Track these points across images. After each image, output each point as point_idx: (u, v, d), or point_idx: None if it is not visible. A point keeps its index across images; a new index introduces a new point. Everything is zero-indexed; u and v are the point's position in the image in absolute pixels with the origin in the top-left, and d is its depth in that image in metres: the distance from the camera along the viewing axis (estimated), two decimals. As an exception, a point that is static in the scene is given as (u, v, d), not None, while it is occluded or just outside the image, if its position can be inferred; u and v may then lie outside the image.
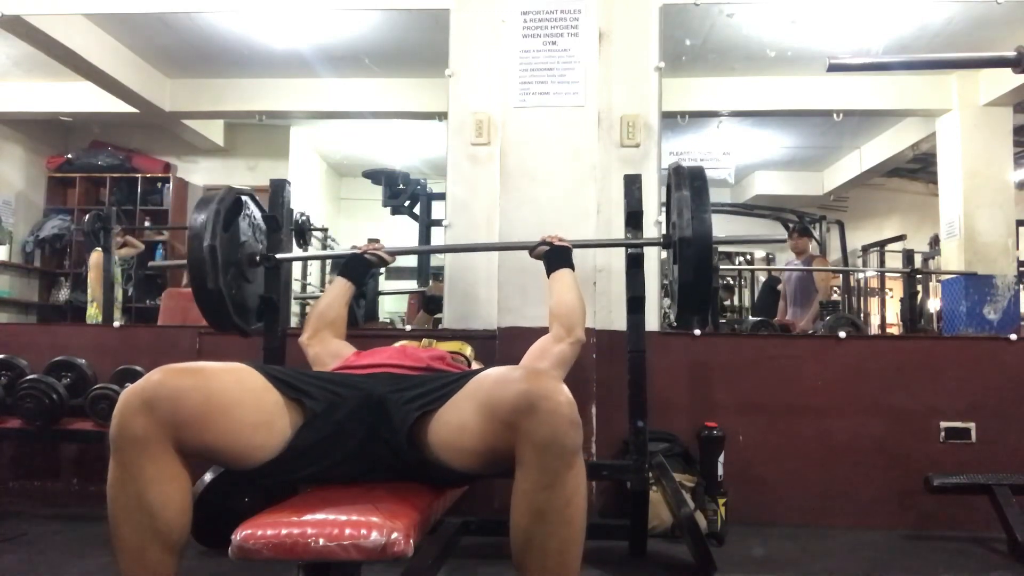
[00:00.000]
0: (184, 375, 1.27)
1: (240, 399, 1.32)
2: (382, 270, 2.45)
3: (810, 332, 4.93)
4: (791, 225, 6.07)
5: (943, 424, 2.78)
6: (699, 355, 2.87)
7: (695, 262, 1.91)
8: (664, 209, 2.35)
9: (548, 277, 2.11)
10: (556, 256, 2.13)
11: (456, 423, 1.32)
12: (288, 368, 1.53)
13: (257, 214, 2.23)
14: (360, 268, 2.25)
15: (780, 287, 5.90)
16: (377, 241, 4.30)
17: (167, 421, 1.21)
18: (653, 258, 2.77)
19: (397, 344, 1.79)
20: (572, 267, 2.12)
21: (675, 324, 2.91)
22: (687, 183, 1.95)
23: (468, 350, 2.07)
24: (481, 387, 1.32)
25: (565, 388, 1.21)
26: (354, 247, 2.23)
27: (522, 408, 1.17)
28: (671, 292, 2.30)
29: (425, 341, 1.82)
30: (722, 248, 6.27)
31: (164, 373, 1.25)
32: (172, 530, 1.22)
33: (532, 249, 2.21)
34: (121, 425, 1.21)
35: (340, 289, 2.19)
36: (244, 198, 2.15)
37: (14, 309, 6.56)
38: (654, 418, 2.12)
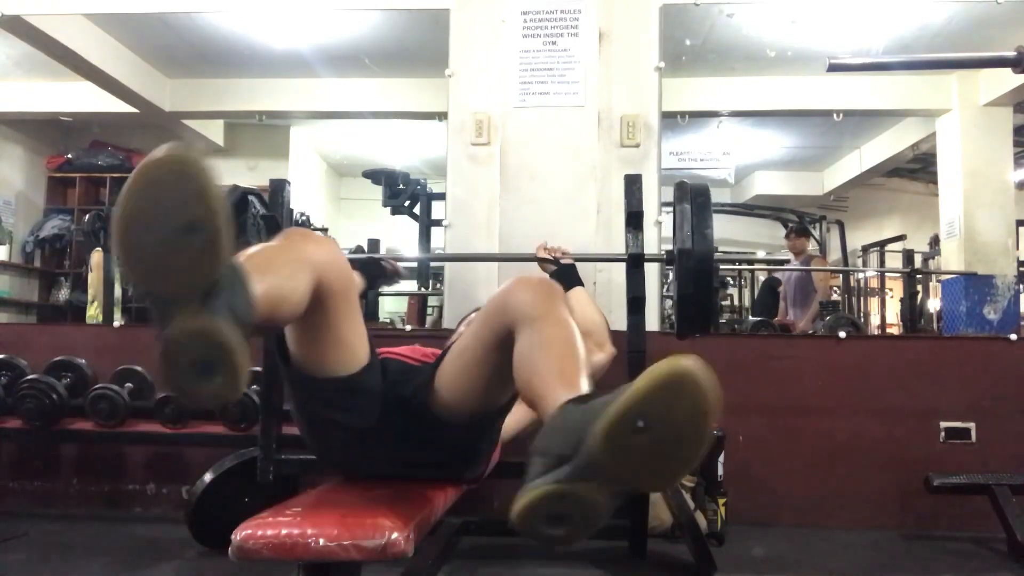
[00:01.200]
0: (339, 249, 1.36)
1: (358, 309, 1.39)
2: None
3: (810, 332, 4.93)
4: (790, 225, 6.08)
5: (943, 424, 2.78)
6: (699, 355, 2.86)
7: (696, 276, 1.91)
8: (667, 214, 2.34)
9: None
10: (568, 276, 2.18)
11: (458, 349, 1.40)
12: None
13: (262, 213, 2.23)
14: (376, 271, 2.28)
15: (780, 288, 5.90)
16: (377, 242, 4.31)
17: (328, 258, 1.25)
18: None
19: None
20: (583, 284, 2.18)
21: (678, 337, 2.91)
22: (689, 198, 1.95)
23: None
24: (475, 319, 1.42)
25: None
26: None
27: (509, 289, 1.29)
28: (675, 308, 2.30)
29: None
30: (722, 248, 6.28)
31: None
32: (308, 282, 1.20)
33: (541, 265, 2.23)
34: (302, 234, 1.28)
35: None
36: (251, 197, 2.14)
37: (14, 309, 6.56)
38: (654, 418, 2.12)
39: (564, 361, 1.16)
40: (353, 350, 1.36)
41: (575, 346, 1.19)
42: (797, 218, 6.52)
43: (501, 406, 1.46)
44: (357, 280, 2.14)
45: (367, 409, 1.38)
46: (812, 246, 6.07)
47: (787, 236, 5.81)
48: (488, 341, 1.32)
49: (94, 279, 5.04)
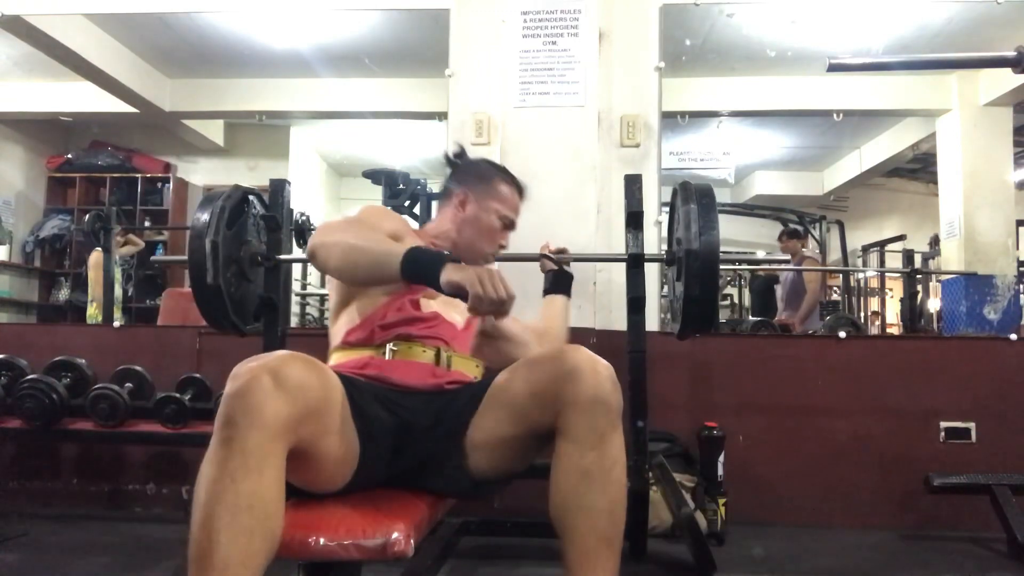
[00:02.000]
0: (307, 362, 1.11)
1: (342, 405, 1.21)
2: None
3: (809, 332, 4.93)
4: (789, 227, 6.09)
5: (943, 424, 2.78)
6: (699, 355, 2.87)
7: (701, 277, 1.91)
8: (667, 215, 2.34)
9: (544, 295, 2.13)
10: (562, 283, 2.13)
11: (492, 419, 1.32)
12: (348, 377, 1.35)
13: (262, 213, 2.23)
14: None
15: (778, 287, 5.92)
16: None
17: (297, 409, 1.05)
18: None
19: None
20: (570, 296, 2.13)
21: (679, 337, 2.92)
22: (695, 198, 1.95)
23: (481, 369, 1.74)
24: (513, 376, 1.32)
25: (600, 358, 1.24)
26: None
27: (564, 374, 1.20)
28: (672, 309, 2.30)
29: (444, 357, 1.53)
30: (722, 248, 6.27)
31: (288, 355, 1.09)
32: (276, 540, 1.04)
33: (542, 264, 2.18)
34: (253, 406, 1.00)
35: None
36: (251, 197, 2.15)
37: (14, 309, 6.56)
38: (654, 418, 2.12)
39: (601, 546, 1.20)
40: (350, 456, 1.25)
41: (618, 528, 1.22)
42: (797, 218, 6.53)
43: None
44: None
45: (379, 469, 1.33)
46: (812, 246, 6.07)
47: (779, 238, 5.84)
48: (530, 426, 1.27)
49: (93, 279, 5.04)
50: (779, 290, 5.85)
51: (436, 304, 1.60)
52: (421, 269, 1.30)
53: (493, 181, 1.81)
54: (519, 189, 1.86)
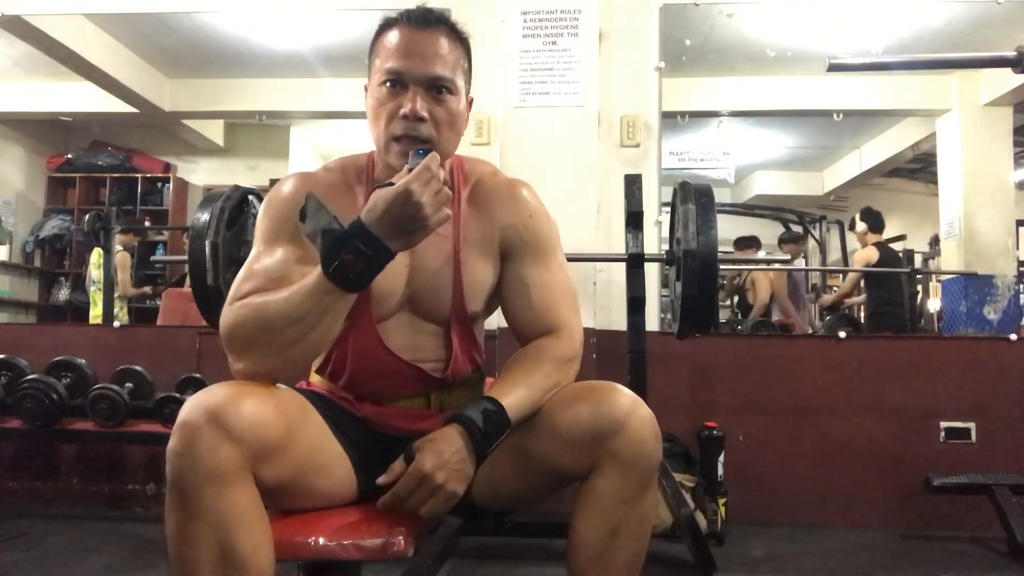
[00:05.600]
0: (259, 394, 1.02)
1: (317, 430, 1.15)
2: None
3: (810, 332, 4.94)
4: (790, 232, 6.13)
5: (943, 424, 2.78)
6: (699, 355, 2.87)
7: (700, 276, 1.91)
8: (667, 215, 2.34)
9: None
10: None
11: (505, 463, 1.18)
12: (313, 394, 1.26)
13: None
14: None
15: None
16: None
17: (251, 450, 0.98)
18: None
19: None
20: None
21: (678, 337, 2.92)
22: (694, 198, 1.95)
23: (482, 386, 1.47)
24: (534, 422, 1.15)
25: (641, 400, 1.12)
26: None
27: (606, 429, 1.07)
28: (672, 308, 2.31)
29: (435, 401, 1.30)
30: (721, 249, 6.32)
31: (235, 390, 1.00)
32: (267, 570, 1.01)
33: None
34: (198, 458, 0.95)
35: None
36: (251, 197, 2.15)
37: (14, 309, 6.56)
38: (654, 418, 2.13)
39: None
40: (347, 480, 1.18)
41: None
42: (797, 218, 6.53)
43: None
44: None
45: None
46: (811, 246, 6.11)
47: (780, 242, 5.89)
48: (555, 475, 1.14)
49: (100, 278, 5.05)
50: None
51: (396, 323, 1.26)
52: (351, 272, 1.03)
53: (376, 42, 1.30)
54: (411, 20, 1.24)
